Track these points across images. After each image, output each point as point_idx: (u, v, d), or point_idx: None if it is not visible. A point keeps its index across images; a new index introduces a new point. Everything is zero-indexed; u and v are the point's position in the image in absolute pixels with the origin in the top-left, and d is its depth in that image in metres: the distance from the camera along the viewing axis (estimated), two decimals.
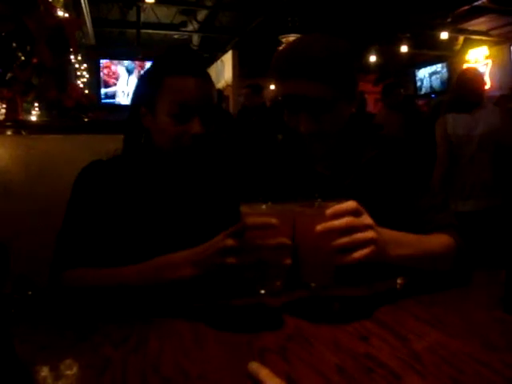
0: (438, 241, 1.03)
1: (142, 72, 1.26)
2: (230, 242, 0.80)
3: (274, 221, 0.77)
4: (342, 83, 1.07)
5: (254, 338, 0.78)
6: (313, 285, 0.85)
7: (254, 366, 0.64)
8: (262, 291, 0.81)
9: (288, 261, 0.80)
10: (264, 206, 0.80)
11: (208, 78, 1.10)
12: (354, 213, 0.82)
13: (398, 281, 1.09)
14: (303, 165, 1.16)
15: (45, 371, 0.68)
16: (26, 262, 1.04)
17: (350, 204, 0.82)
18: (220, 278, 0.85)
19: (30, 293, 1.03)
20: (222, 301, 0.95)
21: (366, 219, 0.83)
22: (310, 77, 1.04)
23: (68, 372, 0.69)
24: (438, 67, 10.32)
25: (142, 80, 1.14)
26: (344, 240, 0.79)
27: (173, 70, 1.06)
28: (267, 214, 0.79)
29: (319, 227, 0.78)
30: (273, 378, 0.62)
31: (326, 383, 0.62)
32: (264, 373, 0.63)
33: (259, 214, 0.80)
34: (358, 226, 0.81)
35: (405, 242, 0.94)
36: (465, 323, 0.84)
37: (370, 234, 0.81)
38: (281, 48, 1.20)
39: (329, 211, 0.80)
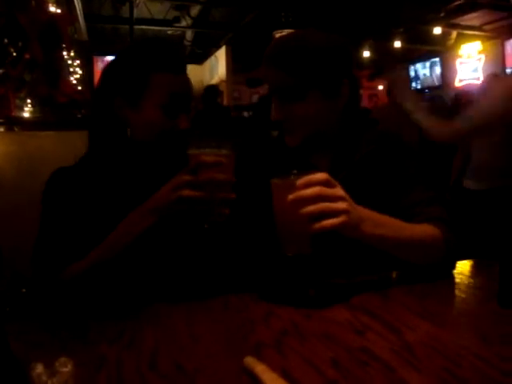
0: (422, 230, 1.02)
1: None
2: (184, 177, 0.89)
3: (223, 159, 0.88)
4: (314, 76, 1.08)
5: (249, 332, 0.78)
6: (289, 254, 0.89)
7: (250, 361, 0.65)
8: (206, 226, 0.92)
9: (233, 195, 0.90)
10: (208, 150, 0.90)
11: (188, 77, 1.12)
12: (325, 183, 0.85)
13: (393, 275, 1.09)
14: (299, 159, 1.16)
15: (39, 368, 0.68)
16: (19, 259, 1.04)
17: (321, 175, 0.85)
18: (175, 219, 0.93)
19: (23, 290, 1.02)
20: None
21: (338, 191, 0.86)
22: (275, 65, 1.09)
23: (63, 369, 0.69)
24: (431, 62, 10.33)
25: (119, 71, 1.10)
26: (311, 208, 0.82)
27: (163, 67, 1.06)
28: (215, 156, 0.89)
29: (290, 196, 0.83)
30: (268, 372, 0.62)
31: (321, 377, 0.63)
32: (260, 367, 0.63)
33: (207, 156, 0.89)
34: (327, 195, 0.84)
35: (383, 222, 0.95)
36: (460, 316, 0.84)
37: (340, 204, 0.85)
38: None
39: (299, 181, 0.84)
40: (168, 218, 0.93)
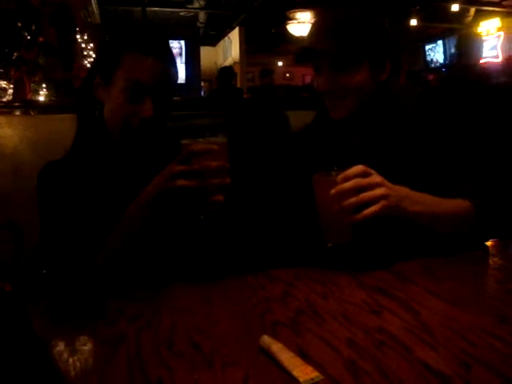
0: (456, 204, 1.06)
1: None
2: (178, 167, 0.89)
3: (214, 147, 0.90)
4: (366, 45, 1.11)
5: (266, 312, 0.79)
6: (329, 244, 0.96)
7: (266, 340, 0.65)
8: (201, 216, 0.93)
9: (228, 180, 0.90)
10: (201, 139, 0.91)
11: (170, 62, 1.08)
12: (362, 175, 0.92)
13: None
14: (339, 138, 1.19)
15: (60, 346, 0.70)
16: (38, 241, 1.06)
17: (357, 168, 0.93)
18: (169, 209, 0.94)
19: (44, 271, 1.04)
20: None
21: (375, 178, 0.93)
22: (330, 34, 1.10)
23: (83, 347, 0.70)
24: (448, 41, 10.12)
25: (102, 50, 1.12)
26: (352, 200, 0.90)
27: (135, 47, 1.04)
28: (206, 144, 0.90)
29: (332, 191, 0.90)
30: (285, 351, 0.62)
31: (337, 356, 0.63)
32: (276, 346, 0.63)
33: (199, 144, 0.90)
34: (365, 185, 0.92)
35: (422, 199, 1.00)
36: (477, 296, 0.84)
37: (378, 191, 0.92)
38: None
39: (339, 176, 0.92)
40: (164, 209, 0.94)
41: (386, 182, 0.94)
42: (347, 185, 0.90)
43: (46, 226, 1.05)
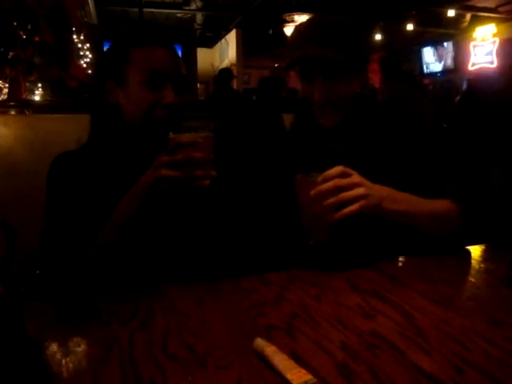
0: (439, 203, 1.07)
1: None
2: (163, 158, 0.91)
3: (200, 140, 0.91)
4: (355, 51, 1.12)
5: (259, 315, 0.79)
6: (311, 242, 0.98)
7: (260, 343, 0.65)
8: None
9: (213, 172, 0.91)
10: (188, 134, 0.94)
11: (176, 51, 1.12)
12: (341, 175, 0.93)
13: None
14: (315, 141, 1.19)
15: (54, 348, 0.69)
16: (32, 241, 1.05)
17: (337, 168, 0.94)
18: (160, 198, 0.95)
19: (37, 272, 1.04)
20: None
21: (354, 179, 0.94)
22: (321, 42, 1.10)
23: (77, 349, 0.70)
24: (444, 45, 10.16)
25: (107, 55, 1.13)
26: (332, 200, 0.91)
27: (142, 42, 1.08)
28: (191, 136, 0.93)
29: (312, 192, 0.92)
30: (278, 354, 0.62)
31: (330, 359, 0.63)
32: (269, 349, 0.63)
33: (186, 137, 0.93)
34: (344, 185, 0.92)
35: (401, 198, 1.01)
36: (470, 300, 0.84)
37: (357, 191, 0.93)
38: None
39: (319, 178, 0.93)
40: (156, 199, 0.95)
41: (365, 182, 0.95)
42: (326, 185, 0.92)
43: (51, 215, 1.06)
